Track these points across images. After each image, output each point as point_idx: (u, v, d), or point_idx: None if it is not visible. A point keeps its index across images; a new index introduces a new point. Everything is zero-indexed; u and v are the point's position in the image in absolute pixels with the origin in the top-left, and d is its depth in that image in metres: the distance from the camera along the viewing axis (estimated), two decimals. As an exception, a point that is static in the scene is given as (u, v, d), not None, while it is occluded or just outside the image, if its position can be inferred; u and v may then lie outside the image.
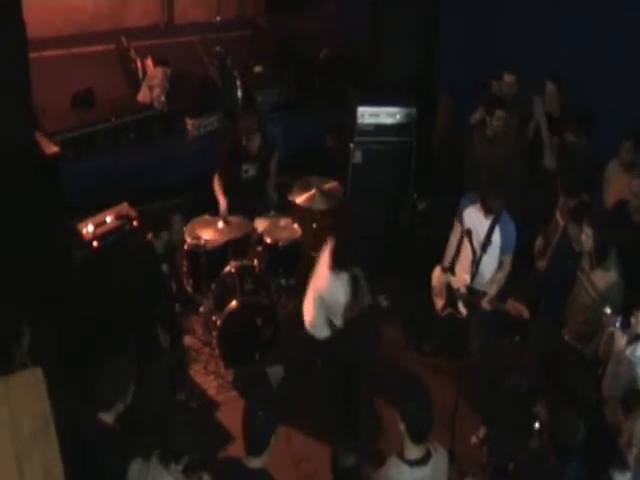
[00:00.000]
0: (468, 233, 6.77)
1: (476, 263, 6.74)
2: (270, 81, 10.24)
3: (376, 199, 8.51)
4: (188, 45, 11.05)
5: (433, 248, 7.58)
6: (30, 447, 4.44)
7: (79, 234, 7.52)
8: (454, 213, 7.17)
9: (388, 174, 8.51)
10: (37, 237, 6.31)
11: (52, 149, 6.41)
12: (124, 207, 7.89)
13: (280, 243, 7.84)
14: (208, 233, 7.69)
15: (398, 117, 8.43)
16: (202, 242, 7.59)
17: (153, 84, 9.64)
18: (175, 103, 9.73)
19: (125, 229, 7.68)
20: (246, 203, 8.23)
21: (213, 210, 8.08)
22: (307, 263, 8.20)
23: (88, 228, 7.56)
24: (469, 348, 7.03)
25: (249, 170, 8.22)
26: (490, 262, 6.86)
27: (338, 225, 8.32)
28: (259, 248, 7.91)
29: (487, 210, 6.77)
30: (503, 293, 6.92)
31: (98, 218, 7.70)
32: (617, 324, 5.83)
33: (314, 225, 8.11)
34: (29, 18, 6.03)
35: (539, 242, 7.44)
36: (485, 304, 6.81)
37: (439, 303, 7.37)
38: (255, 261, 7.83)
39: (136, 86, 9.83)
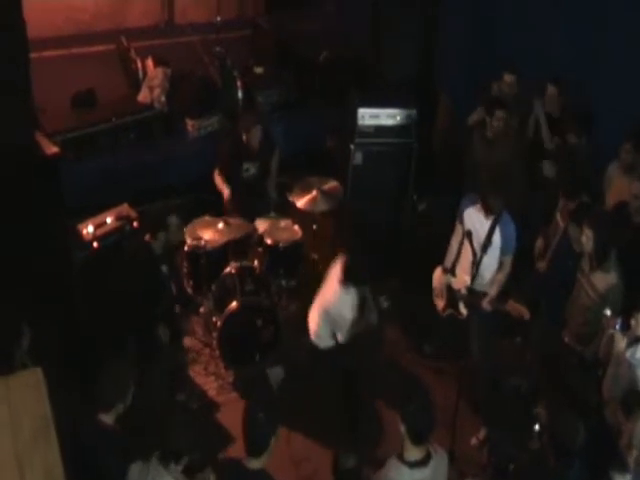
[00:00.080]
0: (468, 234, 6.76)
1: (476, 264, 6.73)
2: (270, 81, 10.24)
3: (376, 200, 8.52)
4: (188, 45, 11.03)
5: (433, 249, 7.58)
6: (30, 447, 4.42)
7: (79, 235, 7.52)
8: (454, 214, 7.17)
9: (388, 175, 8.52)
10: (37, 237, 6.29)
11: (52, 149, 6.39)
12: (124, 208, 7.88)
13: (280, 244, 7.84)
14: (208, 234, 7.68)
15: (398, 118, 8.44)
16: (202, 243, 7.59)
17: (153, 84, 9.64)
18: (175, 103, 9.73)
19: (125, 230, 7.68)
20: (247, 203, 8.23)
21: (213, 211, 8.08)
22: (307, 264, 8.23)
23: (88, 229, 7.56)
24: (469, 349, 7.02)
25: (250, 169, 8.22)
26: (490, 263, 6.86)
27: (340, 229, 8.36)
28: (259, 249, 7.91)
29: (487, 210, 6.76)
30: (503, 294, 6.92)
31: (98, 219, 7.70)
32: (617, 326, 5.83)
33: (314, 226, 8.11)
34: (29, 18, 6.01)
35: (539, 243, 7.44)
36: (486, 305, 6.81)
37: (440, 304, 7.36)
38: (255, 262, 7.83)
39: (136, 86, 9.83)
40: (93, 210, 7.81)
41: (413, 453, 4.95)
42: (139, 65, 9.90)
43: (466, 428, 6.94)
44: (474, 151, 8.24)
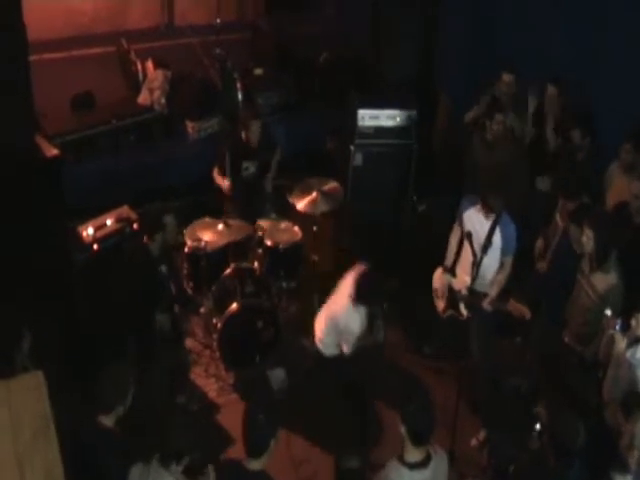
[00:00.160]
0: (468, 236, 6.76)
1: (477, 265, 6.72)
2: (270, 83, 10.25)
3: (376, 201, 8.51)
4: (188, 47, 11.05)
5: (433, 249, 7.58)
6: (31, 449, 4.43)
7: (79, 237, 7.52)
8: (454, 214, 7.17)
9: (388, 176, 8.52)
10: (37, 240, 6.31)
11: (52, 152, 6.40)
12: (124, 210, 7.89)
13: (281, 246, 7.84)
14: (209, 235, 7.69)
15: (398, 119, 8.44)
16: (203, 244, 7.59)
17: (153, 86, 9.65)
18: (175, 105, 9.74)
19: (125, 232, 7.69)
20: (246, 201, 8.23)
21: (213, 212, 8.08)
22: (308, 265, 8.23)
23: (88, 231, 7.56)
24: (470, 349, 7.02)
25: (249, 167, 8.23)
26: (491, 263, 6.85)
27: (341, 230, 8.34)
28: (260, 251, 7.90)
29: (487, 210, 6.76)
30: (504, 293, 6.92)
31: (98, 221, 7.70)
32: (617, 326, 5.81)
33: (315, 228, 8.10)
34: (29, 20, 6.02)
35: (539, 244, 7.44)
36: (486, 305, 6.80)
37: (440, 305, 7.37)
38: (256, 264, 7.83)
39: (136, 88, 9.85)
40: (93, 212, 7.82)
41: (413, 454, 4.94)
42: (139, 67, 9.92)
43: (466, 429, 6.93)
44: (474, 152, 8.24)
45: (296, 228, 8.08)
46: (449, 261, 7.22)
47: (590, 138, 7.57)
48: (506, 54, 9.03)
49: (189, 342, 7.88)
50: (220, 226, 7.78)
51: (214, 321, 7.56)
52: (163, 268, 6.75)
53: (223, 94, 10.02)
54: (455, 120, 9.47)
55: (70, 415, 5.16)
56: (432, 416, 4.99)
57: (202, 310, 8.01)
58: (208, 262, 7.62)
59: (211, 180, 8.27)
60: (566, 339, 6.59)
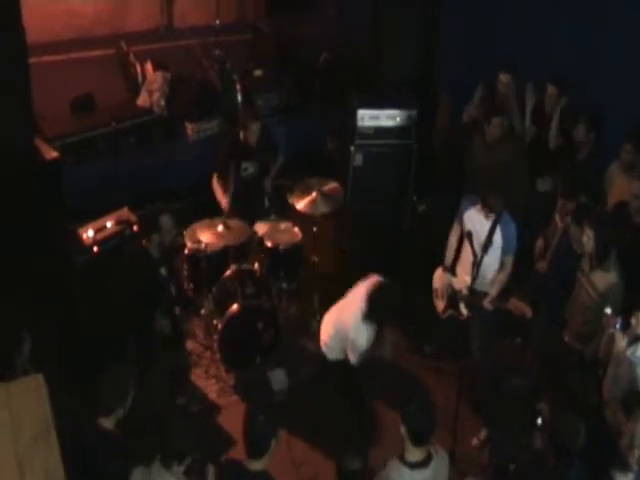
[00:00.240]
0: (469, 235, 6.76)
1: (477, 264, 6.73)
2: (270, 85, 10.24)
3: (376, 201, 8.51)
4: (188, 49, 11.06)
5: (433, 249, 7.57)
6: (31, 452, 4.44)
7: (79, 239, 7.52)
8: (454, 214, 7.17)
9: (388, 176, 8.51)
10: (37, 242, 6.31)
11: (52, 154, 6.41)
12: (124, 212, 7.89)
13: (281, 247, 7.83)
14: (208, 237, 7.68)
15: (398, 119, 8.44)
16: (203, 246, 7.58)
17: (153, 88, 9.65)
18: (175, 107, 9.74)
19: (125, 234, 7.68)
20: (245, 203, 8.23)
21: (213, 214, 8.08)
22: (308, 266, 8.22)
23: (88, 233, 7.57)
24: (470, 349, 7.01)
25: (248, 168, 8.22)
26: (491, 263, 6.85)
27: (341, 231, 8.31)
28: (260, 252, 7.90)
29: (488, 210, 6.76)
30: (505, 293, 6.91)
31: (98, 223, 7.70)
32: (617, 325, 5.82)
33: (315, 228, 8.10)
34: (28, 23, 6.03)
35: (539, 244, 7.44)
36: (487, 304, 6.80)
37: (440, 305, 7.36)
38: (256, 265, 7.83)
39: (136, 90, 9.85)
40: (93, 214, 7.82)
41: (414, 454, 4.94)
42: (138, 69, 9.92)
43: (467, 428, 6.93)
44: (474, 153, 8.23)
45: (296, 229, 8.08)
46: (449, 260, 7.22)
47: (594, 134, 7.57)
48: (506, 54, 9.04)
49: (190, 344, 7.87)
50: (220, 227, 7.78)
51: (214, 322, 7.57)
52: (162, 270, 6.73)
53: (223, 96, 10.02)
54: (455, 120, 9.47)
55: (70, 417, 5.17)
56: (432, 416, 4.99)
57: (202, 311, 8.01)
58: (208, 264, 7.61)
59: (211, 181, 8.26)
60: (566, 338, 6.60)
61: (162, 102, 9.62)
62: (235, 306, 7.35)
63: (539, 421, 5.97)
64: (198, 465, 4.88)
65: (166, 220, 6.67)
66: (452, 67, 9.75)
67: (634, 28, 7.66)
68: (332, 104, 9.84)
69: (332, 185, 8.18)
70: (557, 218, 7.15)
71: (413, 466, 4.93)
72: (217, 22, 11.00)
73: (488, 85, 8.66)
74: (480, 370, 7.07)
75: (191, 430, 4.97)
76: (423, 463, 4.95)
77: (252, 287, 7.53)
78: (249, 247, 7.91)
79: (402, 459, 4.97)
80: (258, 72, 10.31)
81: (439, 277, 7.32)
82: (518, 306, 6.76)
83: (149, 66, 9.89)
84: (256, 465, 4.81)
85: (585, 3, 8.25)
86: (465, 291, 6.93)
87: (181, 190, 9.25)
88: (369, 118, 8.42)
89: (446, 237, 7.27)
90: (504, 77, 8.40)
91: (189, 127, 9.73)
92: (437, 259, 7.39)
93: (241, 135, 8.14)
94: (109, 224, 7.70)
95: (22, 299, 6.21)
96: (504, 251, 6.84)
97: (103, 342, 6.88)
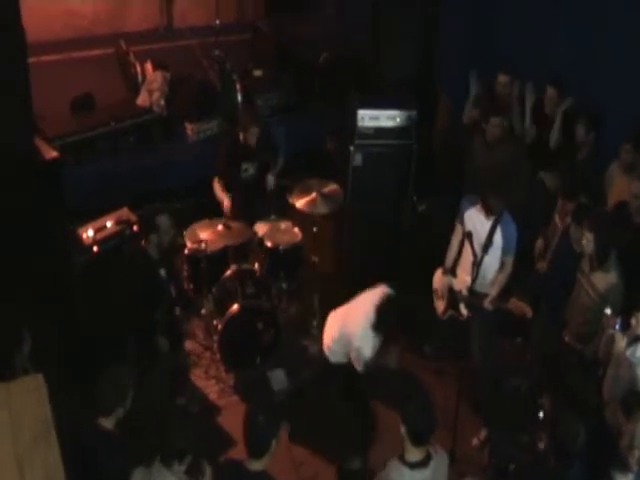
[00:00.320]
0: (469, 236, 6.76)
1: (477, 265, 6.72)
2: (270, 85, 10.24)
3: (376, 201, 8.49)
4: (187, 49, 11.05)
5: (433, 249, 7.57)
6: (31, 452, 4.44)
7: (79, 239, 7.52)
8: (454, 214, 7.16)
9: (388, 177, 8.49)
10: (37, 242, 6.31)
11: (51, 154, 6.40)
12: (124, 212, 7.89)
13: (281, 247, 7.84)
14: (208, 237, 7.68)
15: (398, 120, 8.40)
16: (203, 246, 7.58)
17: (152, 88, 9.65)
18: (174, 107, 9.73)
19: (125, 234, 7.69)
20: (246, 204, 8.23)
21: (213, 214, 8.07)
22: (308, 267, 8.22)
23: (88, 233, 7.57)
24: (470, 349, 7.01)
25: (249, 169, 8.22)
26: (492, 263, 6.85)
27: (341, 232, 8.27)
28: (260, 252, 7.90)
29: (488, 210, 6.76)
30: (505, 294, 6.91)
31: (98, 223, 7.70)
32: (617, 325, 5.81)
33: (315, 229, 8.09)
34: (28, 23, 6.02)
35: (539, 244, 7.44)
36: (487, 304, 6.80)
37: (440, 306, 7.36)
38: (256, 265, 7.83)
39: (135, 90, 9.84)
40: (93, 214, 7.82)
41: (413, 454, 4.95)
42: (138, 69, 9.92)
43: (467, 429, 6.93)
44: (474, 153, 8.23)
45: (296, 229, 8.08)
46: (449, 262, 7.21)
47: (594, 134, 7.57)
48: (506, 54, 9.03)
49: (190, 344, 7.87)
50: (220, 227, 7.78)
51: (214, 323, 7.57)
52: (162, 271, 6.72)
53: (222, 96, 10.02)
54: (455, 120, 9.47)
55: (70, 417, 5.17)
56: (432, 416, 4.99)
57: (203, 311, 8.01)
58: (208, 264, 7.61)
59: (211, 181, 8.26)
60: (566, 338, 6.59)
61: (162, 102, 9.62)
62: (235, 306, 7.35)
63: (540, 415, 5.97)
64: (198, 463, 4.89)
65: (164, 220, 6.61)
66: (452, 67, 9.74)
67: (634, 28, 7.65)
68: (332, 104, 9.82)
69: (332, 187, 8.17)
70: (557, 218, 7.16)
71: (413, 466, 4.94)
72: (217, 22, 10.99)
73: (484, 83, 8.66)
74: (480, 370, 7.08)
75: (191, 430, 4.97)
76: (422, 463, 4.95)
77: (252, 287, 7.53)
78: (249, 247, 7.91)
79: (402, 459, 4.98)
80: (258, 72, 10.30)
81: (439, 278, 7.32)
82: (518, 306, 6.75)
83: (149, 66, 9.89)
84: (256, 465, 4.81)
85: (585, 3, 8.24)
86: (465, 291, 6.93)
87: (181, 190, 9.25)
88: (369, 118, 8.39)
89: (446, 237, 7.26)
90: (503, 78, 8.39)
91: (189, 127, 9.72)
92: (437, 259, 7.39)
93: (241, 136, 8.14)
94: (109, 224, 7.70)
95: (22, 299, 6.21)
96: (504, 251, 6.84)
97: (103, 342, 6.88)
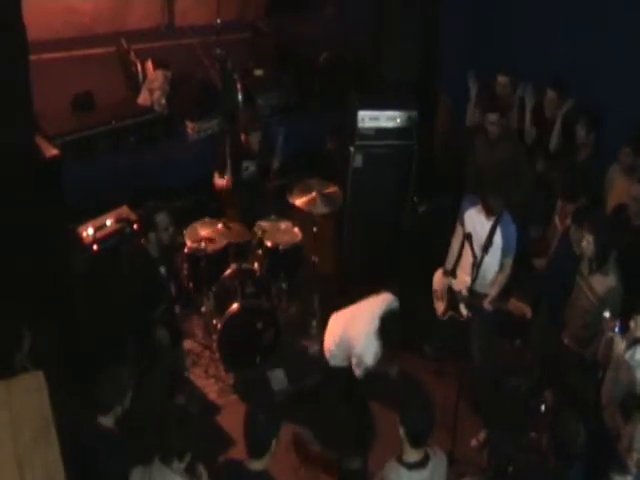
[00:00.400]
0: (468, 237, 6.75)
1: (477, 265, 6.72)
2: (270, 84, 10.25)
3: (376, 202, 8.49)
4: (188, 48, 11.02)
5: (433, 250, 7.57)
6: (31, 450, 4.45)
7: (79, 237, 7.52)
8: (455, 215, 7.17)
9: (388, 178, 8.48)
10: (37, 240, 6.31)
11: (52, 152, 6.40)
12: (124, 210, 7.89)
13: (280, 247, 7.84)
14: (209, 236, 7.68)
15: (399, 120, 8.40)
16: (202, 245, 7.58)
17: (153, 87, 9.64)
18: (175, 106, 9.73)
19: (125, 232, 7.68)
20: (246, 202, 8.22)
21: (213, 213, 8.08)
22: (308, 267, 8.22)
23: (88, 231, 7.56)
24: (470, 350, 7.02)
25: (249, 167, 8.22)
26: (492, 263, 6.85)
27: (340, 232, 8.26)
28: (259, 252, 7.90)
29: (488, 210, 6.76)
30: (505, 294, 6.91)
31: (98, 221, 7.69)
32: (616, 328, 5.81)
33: (315, 229, 8.09)
34: (29, 21, 6.01)
35: (539, 245, 7.43)
36: (487, 305, 6.80)
37: (440, 307, 7.37)
38: (256, 265, 7.84)
39: (136, 89, 9.84)
40: (93, 213, 7.81)
41: (412, 455, 4.95)
42: (139, 68, 9.91)
43: (466, 429, 6.94)
44: (476, 153, 8.22)
45: (296, 229, 8.09)
46: (450, 263, 7.21)
47: (594, 134, 7.57)
48: (506, 54, 9.03)
49: (189, 343, 7.88)
50: (220, 226, 7.78)
51: (214, 322, 7.57)
52: (162, 269, 6.72)
53: (223, 95, 10.01)
54: (455, 120, 9.47)
55: (70, 417, 5.18)
56: (430, 418, 4.99)
57: (202, 310, 8.01)
58: (208, 263, 7.62)
59: (211, 180, 8.26)
60: (565, 341, 6.59)
61: (162, 101, 9.62)
62: (235, 306, 7.35)
63: (542, 408, 5.97)
64: (199, 460, 4.90)
65: (162, 218, 6.59)
66: (452, 67, 9.74)
67: (634, 28, 7.66)
68: (332, 104, 9.82)
69: (332, 188, 8.16)
70: (557, 220, 7.16)
71: (411, 467, 4.95)
72: (218, 21, 10.97)
73: (483, 83, 8.66)
74: (480, 371, 7.08)
75: (190, 430, 4.97)
76: (421, 464, 4.96)
77: (252, 287, 7.54)
78: (249, 246, 7.91)
79: (400, 460, 4.99)
80: (258, 72, 10.30)
81: (439, 279, 7.33)
82: (518, 307, 6.75)
83: (150, 64, 9.88)
84: (256, 465, 4.81)
85: (585, 3, 8.26)
86: (465, 292, 6.93)
87: (181, 189, 9.25)
88: (369, 119, 8.39)
89: (446, 238, 7.27)
90: (502, 79, 8.40)
91: (189, 126, 9.72)
92: (437, 260, 7.39)
93: (242, 136, 8.14)
94: (109, 222, 7.70)
95: (22, 297, 6.21)
96: (504, 252, 6.85)
97: (103, 342, 6.88)
